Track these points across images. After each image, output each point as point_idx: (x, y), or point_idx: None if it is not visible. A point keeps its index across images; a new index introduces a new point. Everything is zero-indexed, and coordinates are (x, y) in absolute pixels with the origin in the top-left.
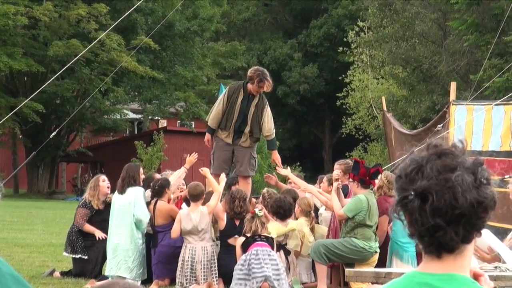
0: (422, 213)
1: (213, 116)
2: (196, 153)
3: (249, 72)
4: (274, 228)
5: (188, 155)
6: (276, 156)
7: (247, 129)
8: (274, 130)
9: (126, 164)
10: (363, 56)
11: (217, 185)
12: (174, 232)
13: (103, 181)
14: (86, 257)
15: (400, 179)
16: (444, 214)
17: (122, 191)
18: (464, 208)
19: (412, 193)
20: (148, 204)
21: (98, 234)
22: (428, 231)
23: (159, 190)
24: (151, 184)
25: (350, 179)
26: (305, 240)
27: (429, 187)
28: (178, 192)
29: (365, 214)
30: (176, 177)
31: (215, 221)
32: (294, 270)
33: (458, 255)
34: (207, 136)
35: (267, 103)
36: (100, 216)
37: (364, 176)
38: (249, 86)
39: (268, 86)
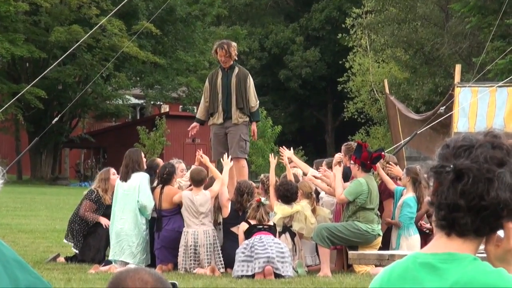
0: (451, 188)
1: (199, 107)
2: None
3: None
4: (280, 209)
5: (198, 152)
6: (253, 127)
7: (234, 102)
8: (258, 102)
9: (127, 151)
10: (362, 41)
11: (218, 172)
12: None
13: (114, 174)
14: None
15: (447, 148)
16: (471, 199)
17: (126, 178)
18: (491, 202)
19: (452, 166)
20: (153, 188)
21: (103, 221)
22: (448, 207)
23: (167, 178)
24: (158, 171)
25: (352, 162)
26: (307, 222)
27: (470, 169)
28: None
29: (366, 197)
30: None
31: (218, 208)
32: (299, 252)
33: (468, 241)
34: (193, 124)
35: (249, 74)
36: (109, 210)
37: (366, 160)
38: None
39: (224, 52)
